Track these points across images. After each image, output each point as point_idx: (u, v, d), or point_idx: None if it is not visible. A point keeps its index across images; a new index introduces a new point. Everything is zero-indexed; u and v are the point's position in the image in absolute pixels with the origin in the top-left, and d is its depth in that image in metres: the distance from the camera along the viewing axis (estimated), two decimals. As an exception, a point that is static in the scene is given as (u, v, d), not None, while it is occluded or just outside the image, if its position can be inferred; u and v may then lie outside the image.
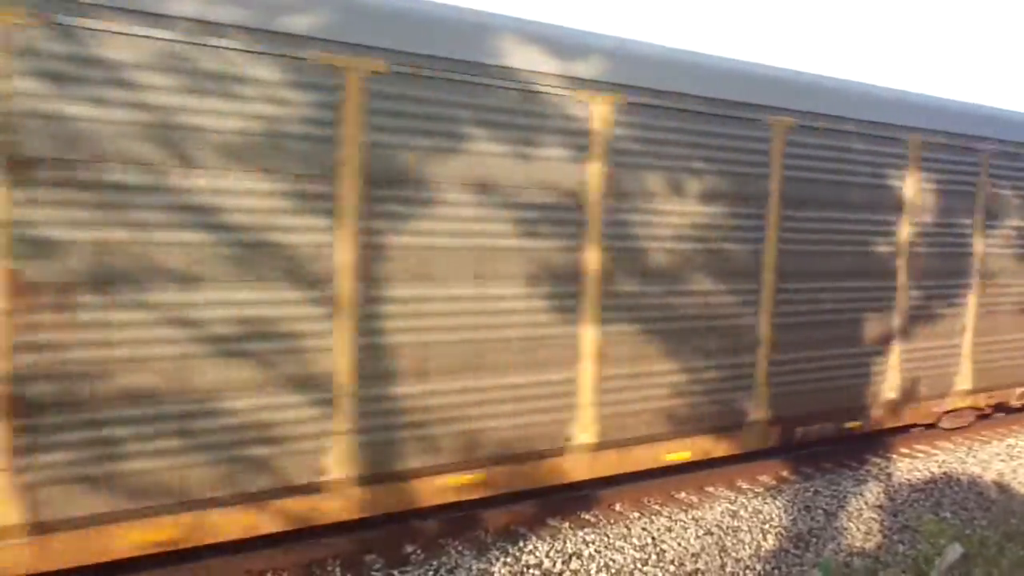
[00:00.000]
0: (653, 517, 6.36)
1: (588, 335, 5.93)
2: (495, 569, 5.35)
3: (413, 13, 5.07)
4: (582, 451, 6.03)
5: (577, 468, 6.05)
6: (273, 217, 4.59)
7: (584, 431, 6.00)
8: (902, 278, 7.92)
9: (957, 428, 9.16)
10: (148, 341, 4.36)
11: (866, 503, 6.91)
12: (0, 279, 4.02)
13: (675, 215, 6.26)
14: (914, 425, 9.04)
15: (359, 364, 4.98)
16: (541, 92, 5.52)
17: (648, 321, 6.22)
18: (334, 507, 5.04)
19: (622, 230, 6.00)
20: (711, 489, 7.13)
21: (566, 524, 6.17)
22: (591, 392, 5.98)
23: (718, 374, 6.70)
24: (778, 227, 6.92)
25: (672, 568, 5.54)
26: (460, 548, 5.65)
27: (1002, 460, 8.41)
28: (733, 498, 6.88)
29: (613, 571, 5.43)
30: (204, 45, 4.36)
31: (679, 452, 6.60)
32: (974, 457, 8.45)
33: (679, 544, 5.91)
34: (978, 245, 8.55)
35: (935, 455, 8.46)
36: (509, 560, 5.48)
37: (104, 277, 4.24)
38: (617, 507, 6.56)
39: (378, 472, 5.15)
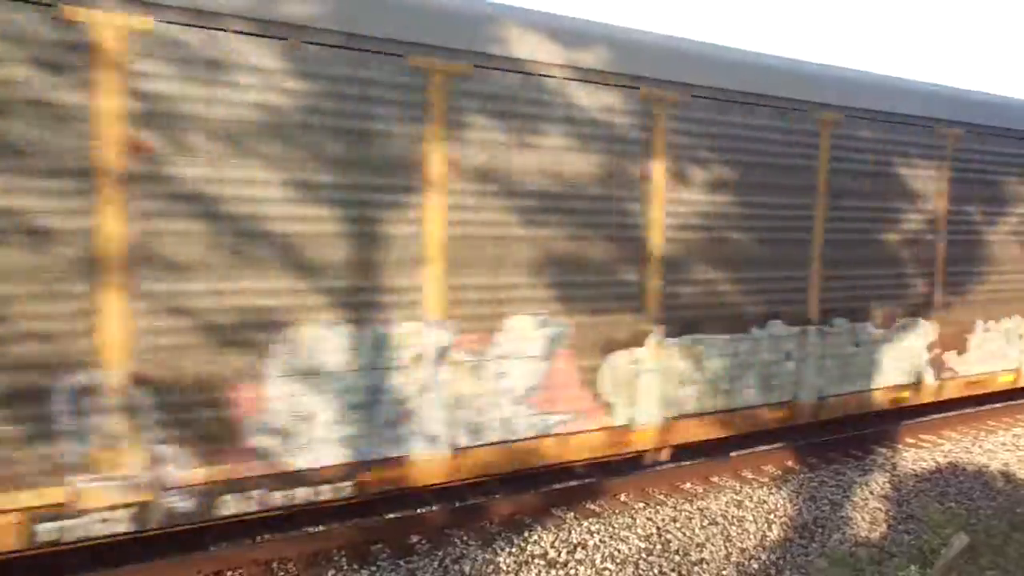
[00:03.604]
0: (658, 507, 6.36)
1: None
2: (500, 559, 5.36)
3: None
4: None
5: None
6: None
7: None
8: None
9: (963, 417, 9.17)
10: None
11: (871, 493, 6.91)
12: None
13: None
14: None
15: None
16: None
17: None
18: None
19: None
20: (716, 479, 7.13)
21: (571, 514, 6.17)
22: None
23: None
24: None
25: (677, 558, 5.55)
26: (465, 538, 5.67)
27: (1008, 450, 8.39)
28: (738, 488, 6.88)
29: (618, 561, 5.45)
30: None
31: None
32: (980, 447, 8.43)
33: (684, 534, 5.91)
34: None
35: (941, 445, 8.44)
36: (514, 550, 5.49)
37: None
38: (622, 497, 6.57)
39: None
